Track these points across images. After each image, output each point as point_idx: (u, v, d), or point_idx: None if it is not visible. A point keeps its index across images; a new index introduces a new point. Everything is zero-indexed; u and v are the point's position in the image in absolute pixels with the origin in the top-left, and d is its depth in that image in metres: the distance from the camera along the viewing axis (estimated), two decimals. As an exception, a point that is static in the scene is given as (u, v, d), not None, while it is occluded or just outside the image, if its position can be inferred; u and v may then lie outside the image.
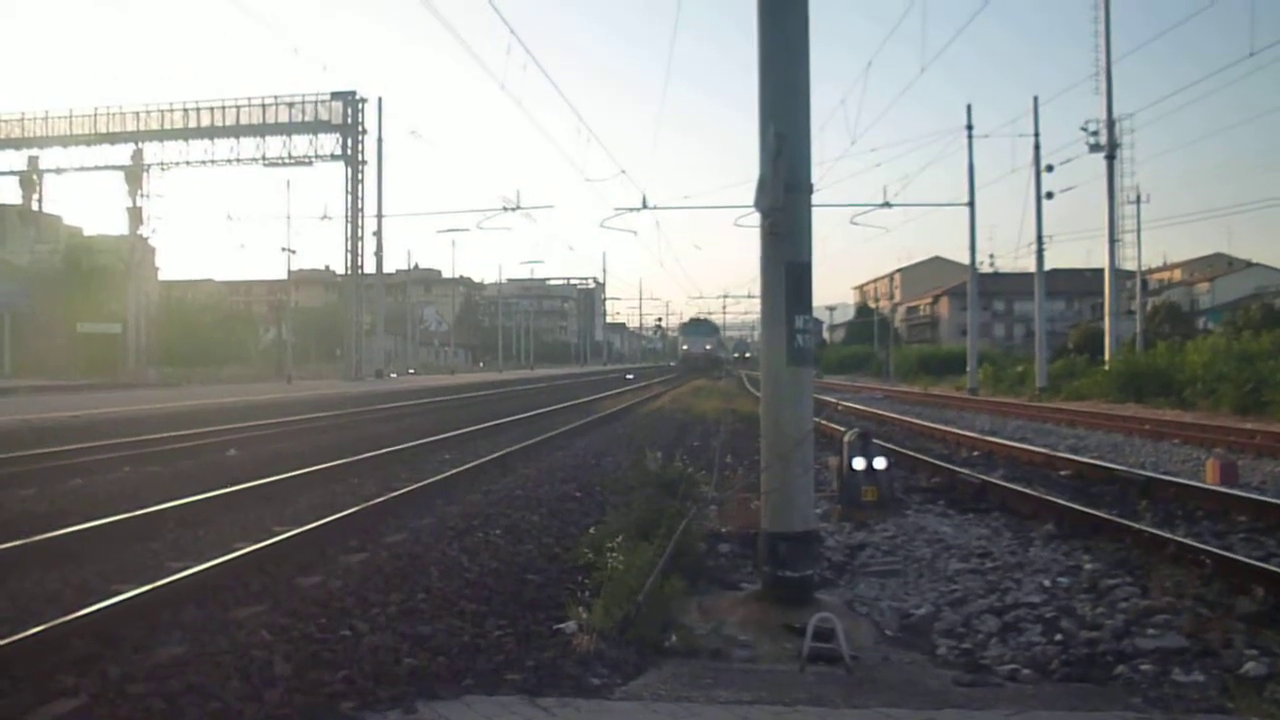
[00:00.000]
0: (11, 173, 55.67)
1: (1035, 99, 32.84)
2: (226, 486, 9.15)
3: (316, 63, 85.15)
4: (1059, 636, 5.00)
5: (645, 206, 33.68)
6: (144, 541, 6.98)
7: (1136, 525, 7.41)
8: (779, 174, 5.64)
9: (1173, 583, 5.81)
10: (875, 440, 9.44)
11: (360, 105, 48.57)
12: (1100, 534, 7.29)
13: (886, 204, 34.52)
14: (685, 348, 72.32)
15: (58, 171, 54.84)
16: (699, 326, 75.19)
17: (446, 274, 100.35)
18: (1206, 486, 9.59)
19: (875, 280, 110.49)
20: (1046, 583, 6.05)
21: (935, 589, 6.07)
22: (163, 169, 52.84)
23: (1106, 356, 30.73)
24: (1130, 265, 40.11)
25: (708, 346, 70.80)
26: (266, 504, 8.81)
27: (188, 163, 52.47)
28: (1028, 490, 9.25)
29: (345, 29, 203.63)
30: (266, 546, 6.46)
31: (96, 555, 6.46)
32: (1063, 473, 11.12)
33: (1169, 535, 6.98)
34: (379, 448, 13.06)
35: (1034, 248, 32.73)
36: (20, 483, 10.00)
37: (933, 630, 5.27)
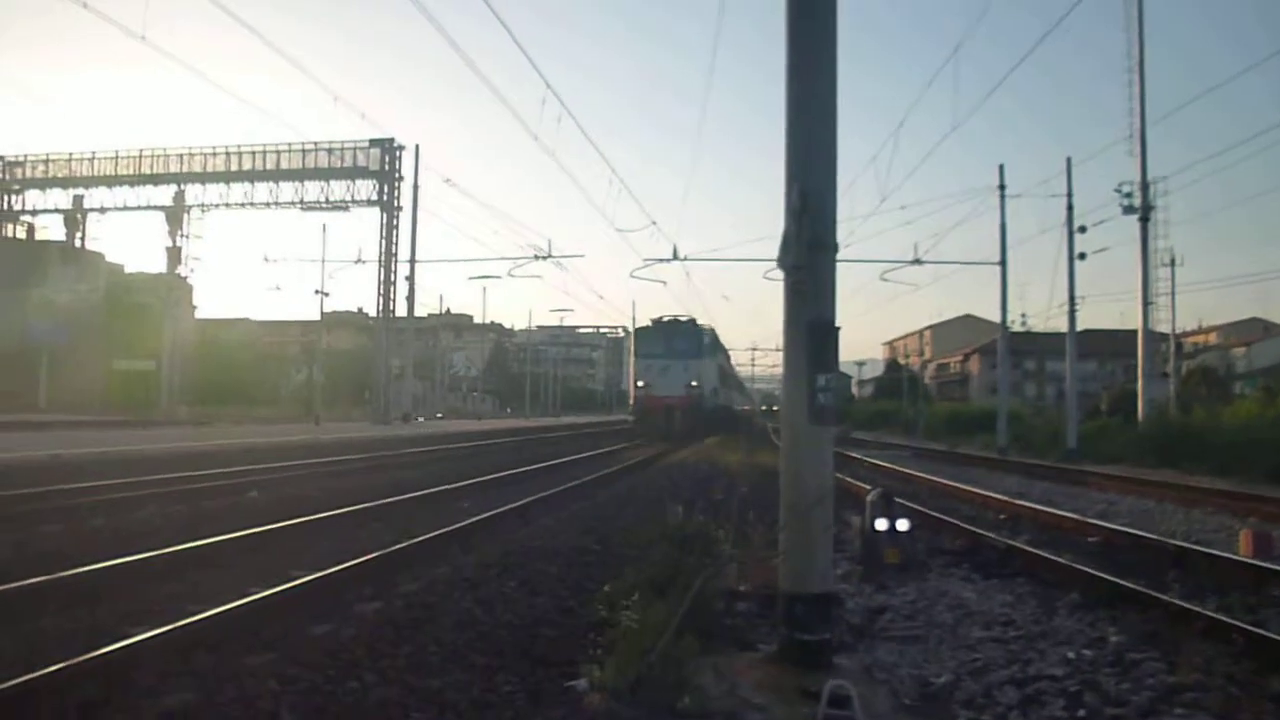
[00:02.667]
0: (56, 211, 57.08)
1: (1069, 160, 32.80)
2: (248, 529, 9.19)
3: (355, 111, 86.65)
4: (1082, 712, 4.86)
5: (675, 258, 33.85)
6: (162, 582, 6.99)
7: (1165, 597, 7.23)
8: (803, 232, 5.65)
9: (1202, 659, 5.65)
10: (899, 500, 9.33)
11: (397, 153, 49.41)
12: (1127, 605, 7.12)
13: (917, 261, 34.50)
14: (641, 384, 38.85)
15: (101, 211, 56.20)
16: (671, 337, 39.34)
17: (477, 319, 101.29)
18: (1239, 558, 9.35)
19: (906, 336, 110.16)
20: (1071, 654, 5.90)
21: (956, 657, 5.93)
22: (203, 210, 54.09)
23: (1139, 419, 30.29)
24: (1164, 328, 39.72)
25: (692, 383, 38.03)
26: (285, 547, 8.82)
27: (227, 205, 53.66)
28: (1054, 557, 9.06)
29: (384, 79, 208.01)
30: (281, 592, 6.45)
31: (113, 595, 6.48)
32: (1091, 539, 10.91)
33: (1199, 609, 6.80)
34: (401, 493, 13.06)
35: (1066, 308, 32.52)
36: (45, 519, 10.09)
37: (952, 700, 5.14)
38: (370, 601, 6.77)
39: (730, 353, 66.10)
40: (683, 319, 40.46)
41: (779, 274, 5.94)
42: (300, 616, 6.10)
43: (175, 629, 5.27)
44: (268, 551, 8.57)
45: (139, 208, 54.82)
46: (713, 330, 42.34)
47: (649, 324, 40.83)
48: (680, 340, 39.05)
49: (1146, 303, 30.42)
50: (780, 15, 5.87)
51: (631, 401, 41.42)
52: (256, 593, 6.43)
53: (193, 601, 6.39)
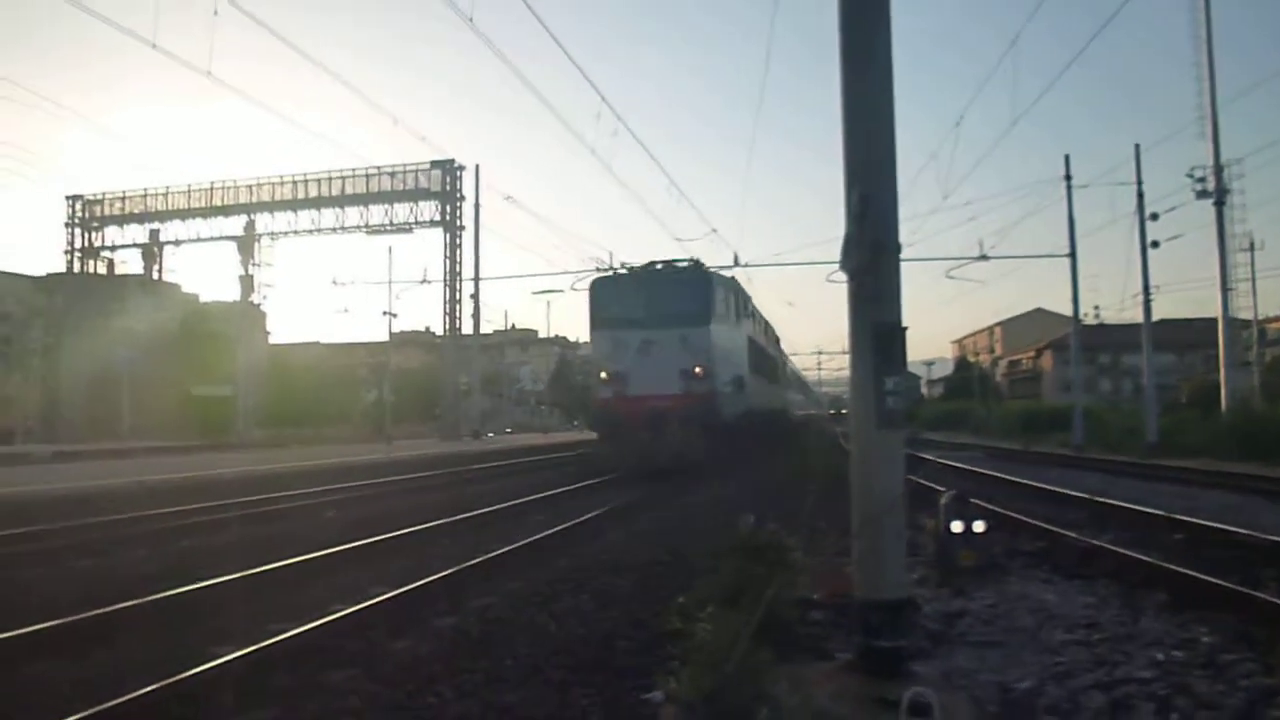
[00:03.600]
0: (134, 245, 59.13)
1: (1137, 146, 32.06)
2: (326, 548, 9.38)
3: (415, 134, 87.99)
4: (1174, 716, 4.71)
5: (737, 264, 33.68)
6: (245, 603, 7.16)
7: (1260, 595, 6.97)
8: (864, 235, 5.59)
9: (1299, 659, 5.44)
10: (974, 501, 9.15)
11: (458, 173, 50.17)
12: (1218, 604, 6.88)
13: (983, 257, 33.96)
14: (605, 376, 22.14)
15: (176, 243, 58.10)
16: (654, 292, 22.22)
17: (542, 334, 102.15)
18: (1336, 552, 8.98)
19: (975, 334, 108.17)
20: (1159, 656, 5.72)
21: (1038, 661, 5.79)
22: (272, 239, 55.54)
23: (1222, 410, 29.36)
24: (1246, 314, 38.46)
25: (695, 370, 21.19)
26: (363, 565, 8.99)
27: (295, 232, 55.02)
28: (1138, 555, 8.81)
29: (440, 99, 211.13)
30: (360, 610, 6.57)
31: (198, 617, 6.65)
32: (1176, 536, 10.58)
33: (1296, 606, 6.55)
34: (472, 509, 13.21)
35: (1140, 298, 31.70)
36: (132, 544, 10.42)
37: (1036, 706, 5.02)
38: (446, 616, 6.85)
39: (791, 353, 54.34)
40: (679, 262, 23.09)
41: (842, 277, 5.89)
42: (379, 632, 6.20)
43: (256, 649, 5.39)
44: (346, 570, 8.73)
45: (212, 239, 56.65)
46: (734, 282, 25.15)
47: (615, 272, 24.10)
48: (672, 295, 22.13)
49: (1226, 289, 29.51)
50: (833, 14, 5.83)
51: (593, 400, 23.98)
52: (337, 610, 6.56)
53: (275, 620, 6.54)
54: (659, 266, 23.09)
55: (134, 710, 4.31)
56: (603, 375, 22.24)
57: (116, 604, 6.56)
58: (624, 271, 23.89)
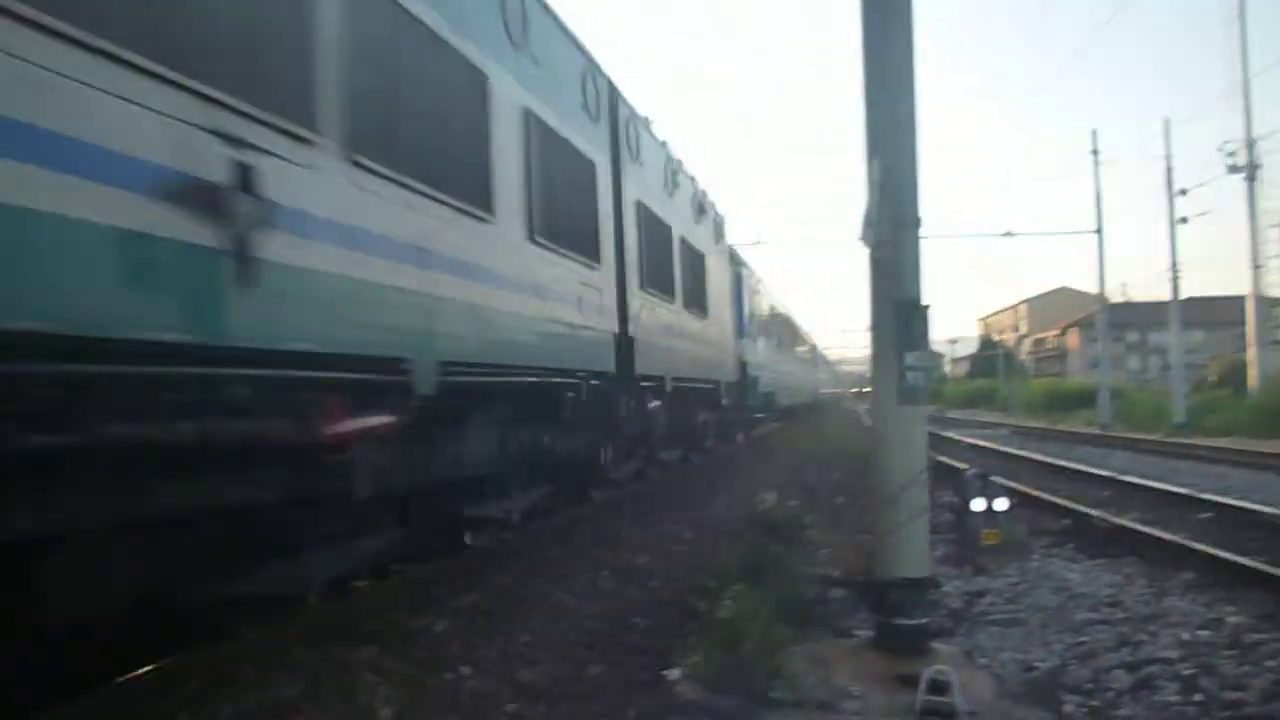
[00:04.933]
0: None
1: (1166, 121, 31.70)
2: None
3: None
4: (1199, 696, 4.65)
5: (760, 243, 33.54)
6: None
7: (1287, 574, 6.87)
8: (885, 209, 5.52)
9: (1328, 639, 5.36)
10: (997, 479, 9.07)
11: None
12: (1246, 584, 6.79)
13: (1008, 233, 33.72)
14: None
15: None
16: None
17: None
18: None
19: (1000, 312, 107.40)
20: (1185, 636, 5.65)
21: (1061, 640, 5.73)
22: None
23: (1250, 389, 29.00)
24: (1276, 292, 37.79)
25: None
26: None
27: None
28: (1164, 534, 8.71)
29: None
30: (378, 586, 6.59)
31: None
32: (1203, 515, 10.45)
33: (1324, 586, 6.46)
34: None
35: (1169, 275, 31.29)
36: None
37: (1058, 685, 4.97)
38: (465, 594, 6.84)
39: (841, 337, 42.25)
40: None
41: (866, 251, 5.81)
42: (398, 611, 6.20)
43: (279, 625, 5.41)
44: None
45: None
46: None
47: None
48: None
49: (1256, 266, 29.08)
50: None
51: None
52: (358, 586, 6.58)
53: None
54: None
55: (152, 682, 4.33)
56: None
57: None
58: None
